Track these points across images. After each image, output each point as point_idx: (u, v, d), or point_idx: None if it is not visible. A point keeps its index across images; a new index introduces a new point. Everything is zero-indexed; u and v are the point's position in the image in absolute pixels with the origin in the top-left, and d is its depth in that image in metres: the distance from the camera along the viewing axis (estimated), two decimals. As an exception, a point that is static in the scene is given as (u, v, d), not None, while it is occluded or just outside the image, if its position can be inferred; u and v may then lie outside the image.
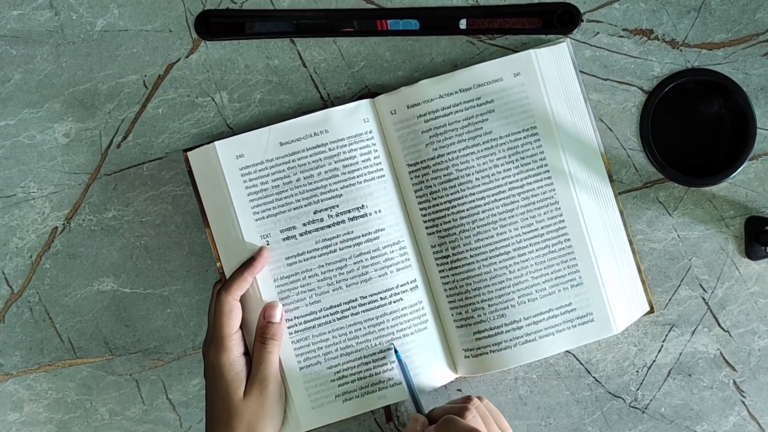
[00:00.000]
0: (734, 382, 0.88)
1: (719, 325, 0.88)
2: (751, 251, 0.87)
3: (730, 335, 0.88)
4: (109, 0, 0.88)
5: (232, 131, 0.89)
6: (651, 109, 0.87)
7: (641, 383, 0.88)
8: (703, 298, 0.88)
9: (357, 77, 0.88)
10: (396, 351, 0.84)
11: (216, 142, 0.83)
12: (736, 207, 0.87)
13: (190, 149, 0.84)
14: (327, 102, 0.89)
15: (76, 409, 0.91)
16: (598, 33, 0.87)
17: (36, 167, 0.89)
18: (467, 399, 0.81)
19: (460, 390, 0.89)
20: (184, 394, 0.91)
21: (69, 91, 0.89)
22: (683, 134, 0.88)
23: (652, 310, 0.87)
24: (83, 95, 0.89)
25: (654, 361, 0.88)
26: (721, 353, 0.88)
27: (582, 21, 0.87)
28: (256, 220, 0.84)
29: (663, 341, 0.88)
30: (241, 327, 0.83)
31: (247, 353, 0.83)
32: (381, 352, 0.85)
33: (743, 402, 0.88)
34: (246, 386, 0.80)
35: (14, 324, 0.90)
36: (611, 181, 0.86)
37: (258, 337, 0.82)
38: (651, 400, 0.88)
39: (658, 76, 0.87)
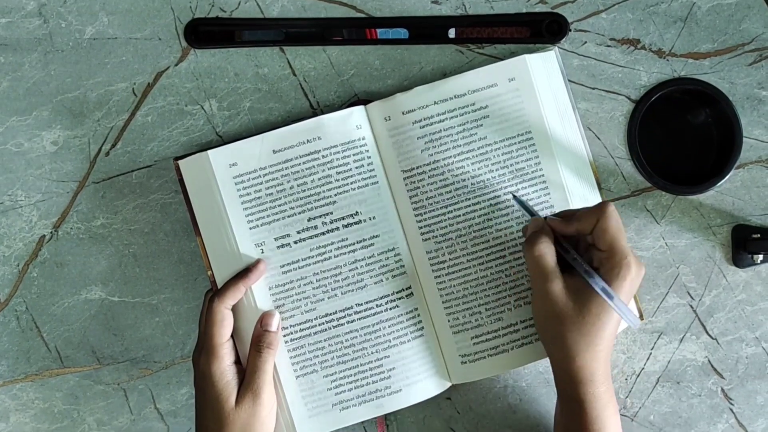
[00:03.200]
0: (722, 390, 0.89)
1: (707, 332, 0.88)
2: (738, 259, 0.88)
3: (718, 343, 0.88)
4: (98, 8, 0.88)
5: (222, 139, 0.88)
6: (638, 118, 0.87)
7: (630, 391, 0.89)
8: (691, 306, 0.88)
9: (346, 85, 0.88)
10: (513, 196, 0.83)
11: (209, 151, 0.83)
12: (723, 215, 0.88)
13: (181, 158, 0.84)
14: (316, 110, 0.88)
15: (63, 419, 0.90)
16: (585, 42, 0.88)
17: (24, 175, 0.88)
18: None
19: (449, 398, 0.89)
20: (173, 403, 0.90)
21: (57, 99, 0.88)
22: (670, 143, 0.89)
23: (640, 318, 0.87)
24: (72, 103, 0.88)
25: (642, 368, 0.89)
26: (709, 361, 0.88)
27: (570, 30, 0.88)
28: (251, 228, 0.83)
29: (651, 349, 0.89)
30: (234, 336, 0.83)
31: (238, 362, 0.83)
32: (378, 360, 0.84)
33: (731, 410, 0.89)
34: (238, 395, 0.80)
35: (0, 333, 0.89)
36: (600, 189, 0.87)
37: (253, 346, 0.82)
38: (640, 407, 0.89)
39: (646, 85, 0.88)
